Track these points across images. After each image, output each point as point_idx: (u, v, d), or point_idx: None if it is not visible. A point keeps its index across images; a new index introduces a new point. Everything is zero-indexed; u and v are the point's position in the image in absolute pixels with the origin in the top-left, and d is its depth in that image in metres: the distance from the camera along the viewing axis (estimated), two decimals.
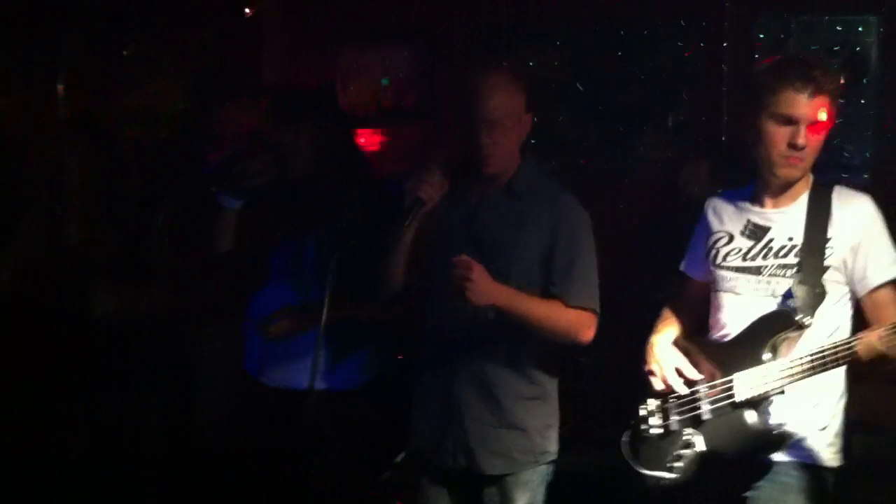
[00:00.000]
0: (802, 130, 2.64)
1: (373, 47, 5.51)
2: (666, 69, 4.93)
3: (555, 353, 3.05)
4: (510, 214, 2.98)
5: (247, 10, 5.30)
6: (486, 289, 2.78)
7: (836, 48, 4.57)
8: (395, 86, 5.50)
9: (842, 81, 2.83)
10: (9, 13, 5.18)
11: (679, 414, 2.80)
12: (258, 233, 3.52)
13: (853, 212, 2.70)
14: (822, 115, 2.64)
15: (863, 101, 4.58)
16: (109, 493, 3.77)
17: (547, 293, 2.94)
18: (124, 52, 5.57)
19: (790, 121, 2.64)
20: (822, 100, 2.63)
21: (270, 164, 3.40)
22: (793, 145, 2.65)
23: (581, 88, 5.09)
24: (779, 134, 2.67)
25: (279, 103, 3.54)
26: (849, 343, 2.52)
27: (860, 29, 4.54)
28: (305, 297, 3.31)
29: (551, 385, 3.07)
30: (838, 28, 4.57)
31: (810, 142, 2.66)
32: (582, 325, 2.94)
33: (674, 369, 2.81)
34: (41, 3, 5.40)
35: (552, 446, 3.07)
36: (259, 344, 3.42)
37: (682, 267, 3.05)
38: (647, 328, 3.01)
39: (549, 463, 3.06)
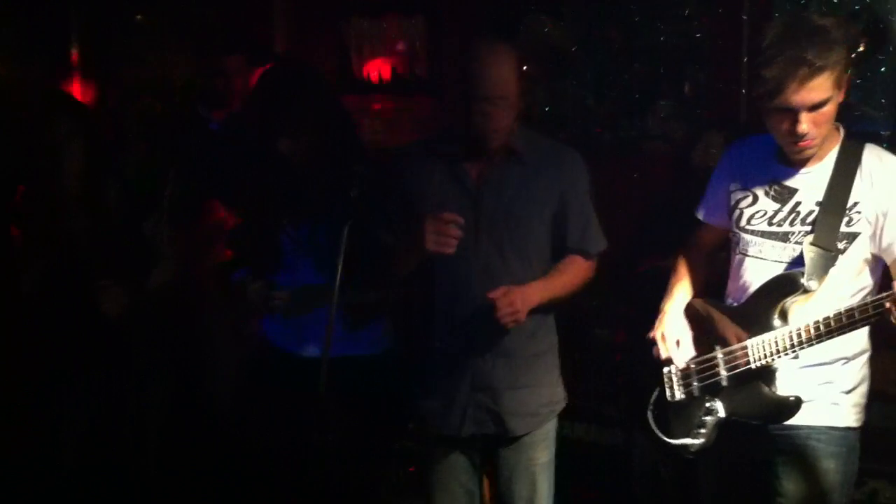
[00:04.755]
0: (801, 117, 2.49)
1: (376, 19, 5.49)
2: (683, 37, 4.86)
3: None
4: (520, 180, 2.99)
5: None
6: (525, 302, 2.86)
7: (856, 15, 4.47)
8: (397, 59, 5.49)
9: (861, 47, 2.67)
10: None
11: (700, 381, 2.78)
12: (262, 210, 3.51)
13: (883, 175, 2.57)
14: (822, 95, 2.47)
15: (882, 70, 4.49)
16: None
17: (561, 249, 2.99)
18: (137, 17, 5.55)
19: (786, 110, 2.50)
20: (820, 80, 2.45)
21: None
22: (794, 133, 2.52)
23: (595, 57, 5.04)
24: (779, 122, 2.54)
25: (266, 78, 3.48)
26: (851, 309, 2.46)
27: None
28: (327, 276, 3.30)
29: (553, 338, 3.17)
30: None
31: (815, 122, 2.51)
32: (590, 272, 3.07)
33: (675, 341, 2.79)
34: None
35: (562, 395, 3.20)
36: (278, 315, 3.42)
37: (698, 214, 2.96)
38: (656, 302, 2.98)
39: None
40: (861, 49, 4.38)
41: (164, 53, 5.42)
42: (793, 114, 2.50)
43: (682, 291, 2.91)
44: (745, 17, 4.63)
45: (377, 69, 5.54)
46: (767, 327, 2.62)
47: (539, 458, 3.12)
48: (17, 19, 5.16)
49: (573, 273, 2.98)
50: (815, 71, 2.44)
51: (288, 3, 5.68)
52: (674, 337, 2.80)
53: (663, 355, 2.82)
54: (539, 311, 3.02)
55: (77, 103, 4.05)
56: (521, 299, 2.85)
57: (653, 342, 2.87)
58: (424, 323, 3.14)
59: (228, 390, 3.95)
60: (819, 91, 2.47)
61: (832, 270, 2.57)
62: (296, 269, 3.37)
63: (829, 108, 2.52)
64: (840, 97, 2.54)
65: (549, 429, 3.16)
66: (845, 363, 2.67)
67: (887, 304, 2.38)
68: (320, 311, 3.21)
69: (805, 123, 2.50)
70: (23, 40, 5.17)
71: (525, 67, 2.97)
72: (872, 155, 2.61)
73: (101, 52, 5.60)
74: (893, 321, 2.38)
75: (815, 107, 2.49)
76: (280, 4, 5.65)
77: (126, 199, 3.83)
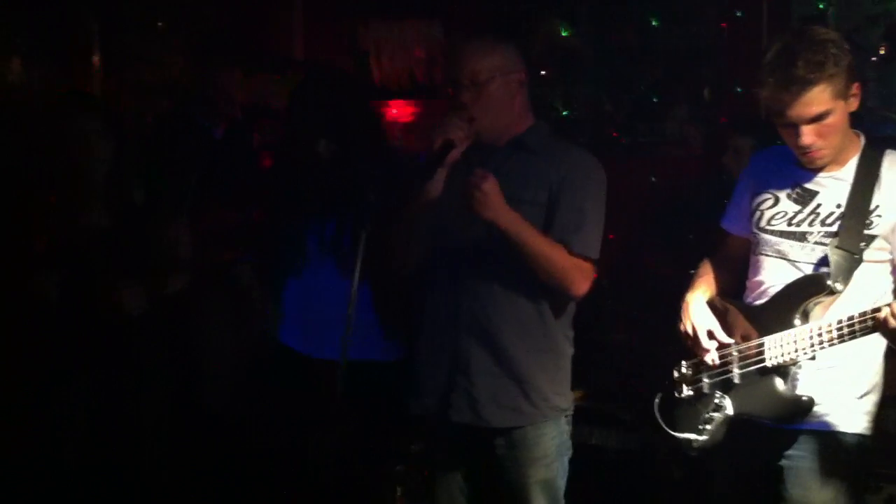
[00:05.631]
0: (803, 130, 2.52)
1: (395, 24, 5.50)
2: (702, 41, 4.84)
3: (566, 306, 3.01)
4: (519, 165, 2.94)
5: None
6: (494, 202, 2.75)
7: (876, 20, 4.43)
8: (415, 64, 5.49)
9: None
10: None
11: (711, 377, 2.76)
12: (286, 207, 3.51)
13: None
14: (820, 108, 2.49)
15: None
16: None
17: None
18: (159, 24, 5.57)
19: (790, 125, 2.54)
20: (813, 93, 2.47)
21: None
22: (800, 146, 2.55)
23: (611, 61, 5.03)
24: (788, 136, 2.58)
25: (300, 79, 3.56)
26: (877, 311, 2.41)
27: None
28: (347, 276, 3.29)
29: (561, 338, 3.03)
30: None
31: (820, 134, 2.53)
32: (579, 274, 2.90)
33: (706, 331, 2.75)
34: None
35: (563, 402, 3.02)
36: (300, 318, 3.45)
37: (722, 223, 2.96)
38: (672, 305, 2.93)
39: (560, 417, 3.02)
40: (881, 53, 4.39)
41: (174, 57, 5.46)
42: (796, 128, 2.53)
43: (704, 285, 2.90)
44: (763, 15, 4.63)
45: (396, 74, 5.55)
46: (788, 327, 2.61)
47: (534, 474, 2.95)
48: (42, 23, 5.23)
49: (555, 251, 2.84)
50: (806, 85, 2.46)
51: (306, 9, 5.70)
52: (704, 328, 2.76)
53: (691, 348, 2.77)
54: (548, 305, 2.95)
55: (104, 104, 4.08)
56: (494, 189, 2.73)
57: (677, 336, 2.82)
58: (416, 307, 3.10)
59: (229, 391, 3.95)
60: (815, 104, 2.49)
61: (856, 272, 2.57)
62: (318, 270, 3.39)
63: (834, 119, 2.53)
64: (849, 107, 2.56)
65: (549, 445, 2.98)
66: (859, 367, 2.64)
67: None
68: (336, 315, 3.22)
69: (807, 136, 2.52)
70: (48, 43, 5.23)
71: (506, 58, 2.91)
72: (891, 161, 2.62)
73: (112, 55, 5.63)
74: None
75: (814, 119, 2.51)
76: (298, 10, 5.67)
77: (149, 200, 3.87)
